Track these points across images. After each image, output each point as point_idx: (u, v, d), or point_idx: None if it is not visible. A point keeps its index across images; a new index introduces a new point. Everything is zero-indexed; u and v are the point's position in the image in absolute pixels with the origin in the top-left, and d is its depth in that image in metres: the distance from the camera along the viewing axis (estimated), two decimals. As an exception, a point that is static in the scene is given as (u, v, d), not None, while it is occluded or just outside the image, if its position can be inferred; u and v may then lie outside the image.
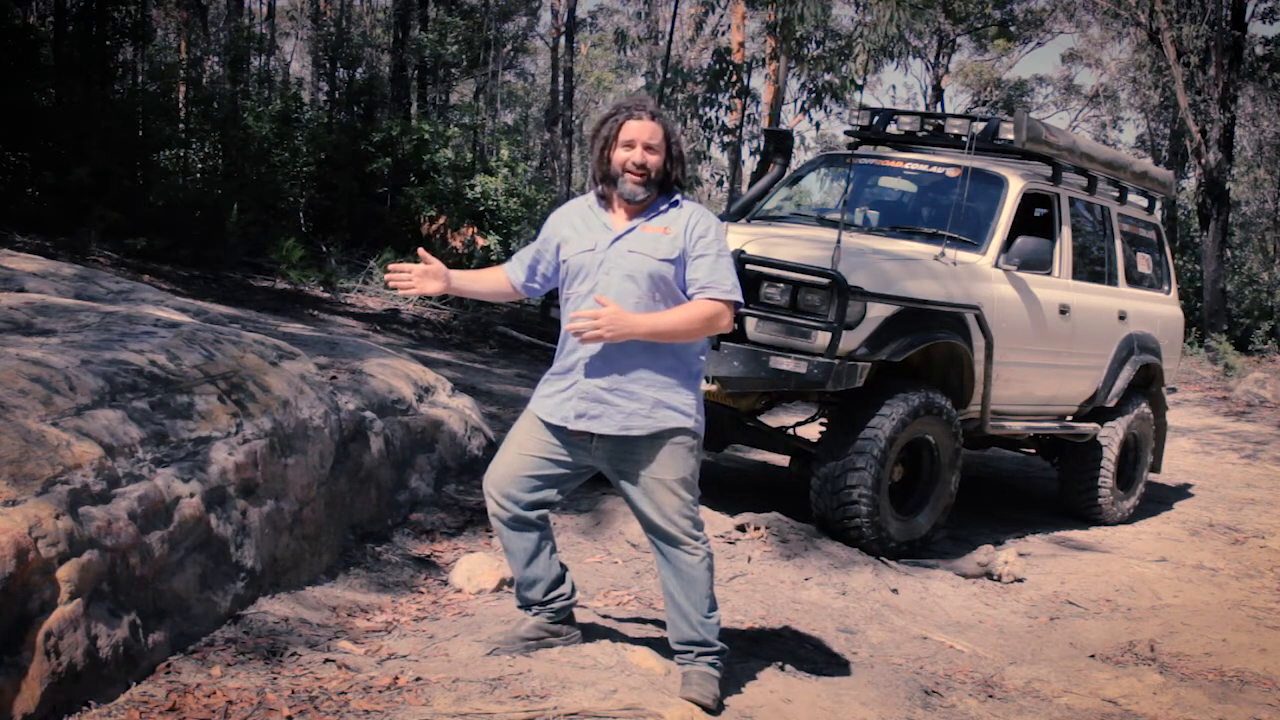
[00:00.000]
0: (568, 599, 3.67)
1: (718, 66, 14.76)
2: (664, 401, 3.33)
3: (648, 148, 3.32)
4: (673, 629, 3.51)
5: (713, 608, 3.47)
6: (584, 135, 33.99)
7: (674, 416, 3.34)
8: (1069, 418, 7.08)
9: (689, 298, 3.35)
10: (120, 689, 3.00)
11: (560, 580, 3.65)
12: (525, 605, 3.66)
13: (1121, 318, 7.20)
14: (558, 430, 3.41)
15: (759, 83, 20.78)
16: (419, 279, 3.44)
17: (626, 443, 3.35)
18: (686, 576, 3.43)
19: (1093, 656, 4.71)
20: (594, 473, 3.53)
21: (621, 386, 3.31)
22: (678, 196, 3.42)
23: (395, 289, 3.46)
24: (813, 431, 6.31)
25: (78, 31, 14.03)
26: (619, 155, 3.33)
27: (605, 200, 3.43)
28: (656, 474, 3.36)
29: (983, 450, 7.73)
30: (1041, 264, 6.42)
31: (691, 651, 3.47)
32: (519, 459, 3.47)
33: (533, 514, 3.51)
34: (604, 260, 3.34)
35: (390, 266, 3.47)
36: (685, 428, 3.37)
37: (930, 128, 7.15)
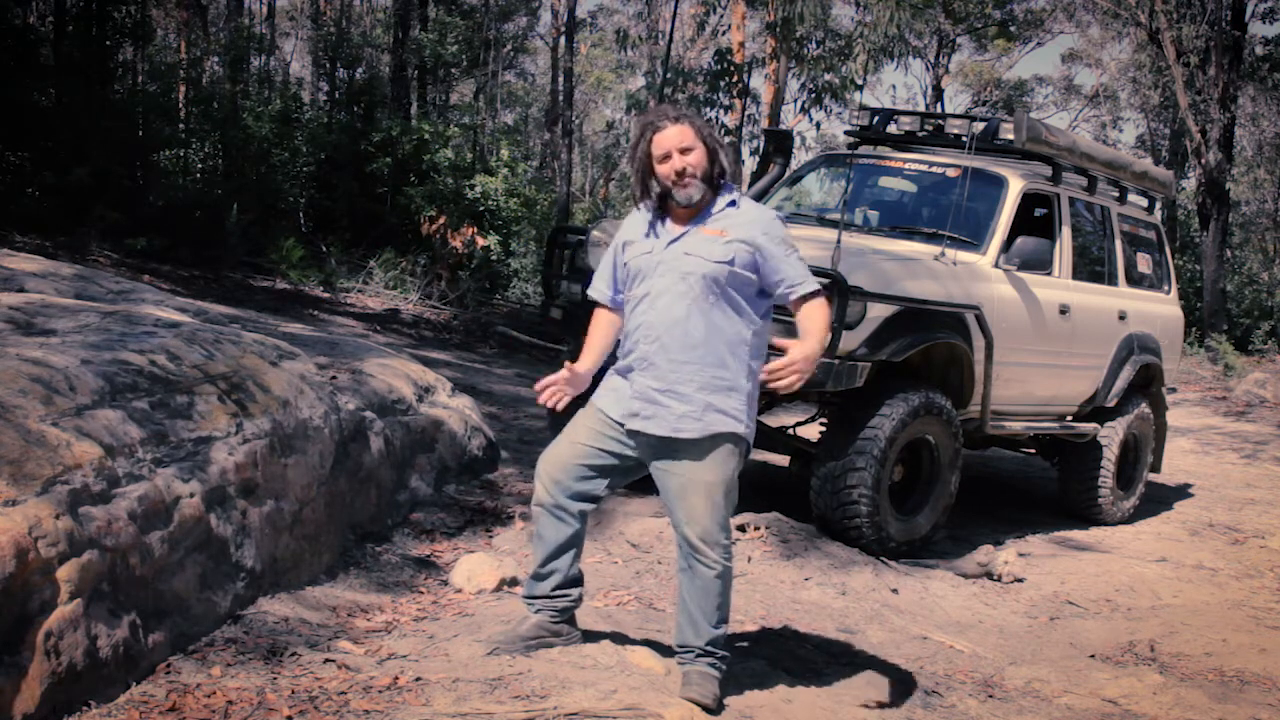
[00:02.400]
0: (573, 601, 3.68)
1: (718, 66, 14.75)
2: (714, 405, 3.35)
3: (683, 151, 3.34)
4: (678, 631, 3.52)
5: (722, 620, 3.47)
6: (584, 135, 34.01)
7: (723, 420, 3.36)
8: (1069, 418, 7.08)
9: (779, 297, 3.39)
10: (120, 689, 3.00)
11: (574, 582, 3.66)
12: (530, 598, 3.67)
13: (1121, 318, 7.20)
14: (619, 422, 3.44)
15: (759, 83, 20.80)
16: (565, 388, 3.45)
17: (674, 442, 3.37)
18: (701, 585, 3.43)
19: (1093, 656, 4.71)
20: (644, 471, 3.54)
21: (673, 388, 3.34)
22: (734, 196, 3.44)
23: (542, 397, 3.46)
24: (813, 431, 6.31)
25: (78, 31, 14.03)
26: (661, 170, 3.36)
27: (660, 211, 3.46)
28: (695, 475, 3.37)
29: (983, 450, 7.73)
30: (1041, 264, 6.42)
31: (692, 652, 3.48)
32: (572, 447, 3.51)
33: (575, 505, 3.53)
34: (660, 262, 3.38)
35: (539, 385, 3.49)
36: (734, 432, 3.38)
37: (930, 128, 7.15)
